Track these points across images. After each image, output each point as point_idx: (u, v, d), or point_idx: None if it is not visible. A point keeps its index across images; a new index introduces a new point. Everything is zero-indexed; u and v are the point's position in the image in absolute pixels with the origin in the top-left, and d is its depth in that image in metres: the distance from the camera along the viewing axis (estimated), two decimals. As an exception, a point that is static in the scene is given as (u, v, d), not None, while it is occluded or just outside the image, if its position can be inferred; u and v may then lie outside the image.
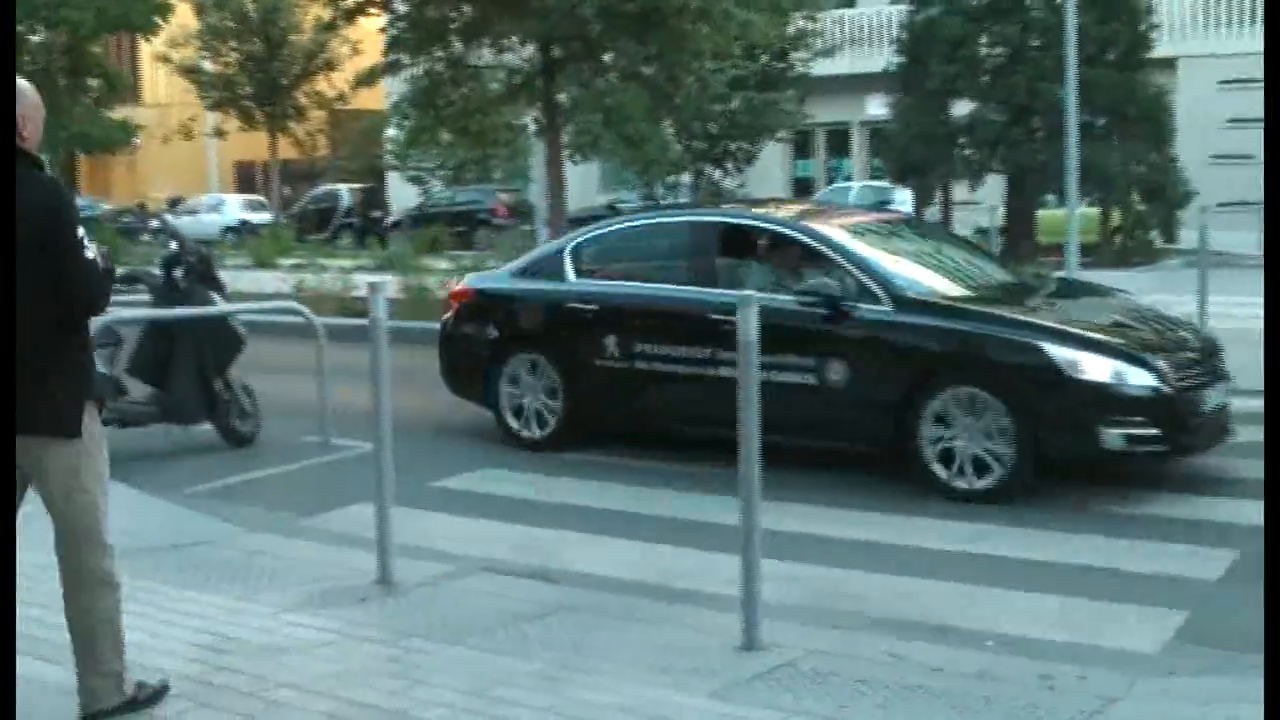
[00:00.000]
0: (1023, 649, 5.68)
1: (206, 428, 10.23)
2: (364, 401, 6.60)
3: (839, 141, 40.85)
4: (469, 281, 11.48)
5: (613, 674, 5.19)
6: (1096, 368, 8.11)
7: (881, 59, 31.55)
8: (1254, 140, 33.65)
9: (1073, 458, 8.34)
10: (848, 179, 39.46)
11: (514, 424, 10.18)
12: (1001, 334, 8.42)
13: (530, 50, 16.30)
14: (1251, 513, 7.48)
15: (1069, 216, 16.41)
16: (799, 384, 8.72)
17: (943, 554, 7.30)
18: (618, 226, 11.16)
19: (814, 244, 9.29)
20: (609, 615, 6.00)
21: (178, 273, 10.17)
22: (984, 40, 24.46)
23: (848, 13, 36.18)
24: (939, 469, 8.35)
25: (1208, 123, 30.76)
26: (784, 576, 6.43)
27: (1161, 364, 8.25)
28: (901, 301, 8.67)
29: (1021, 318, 8.67)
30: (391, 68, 17.39)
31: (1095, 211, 27.30)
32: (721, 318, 8.70)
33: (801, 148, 39.87)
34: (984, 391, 8.24)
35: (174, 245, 10.46)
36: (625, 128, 16.11)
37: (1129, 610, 6.28)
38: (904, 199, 30.93)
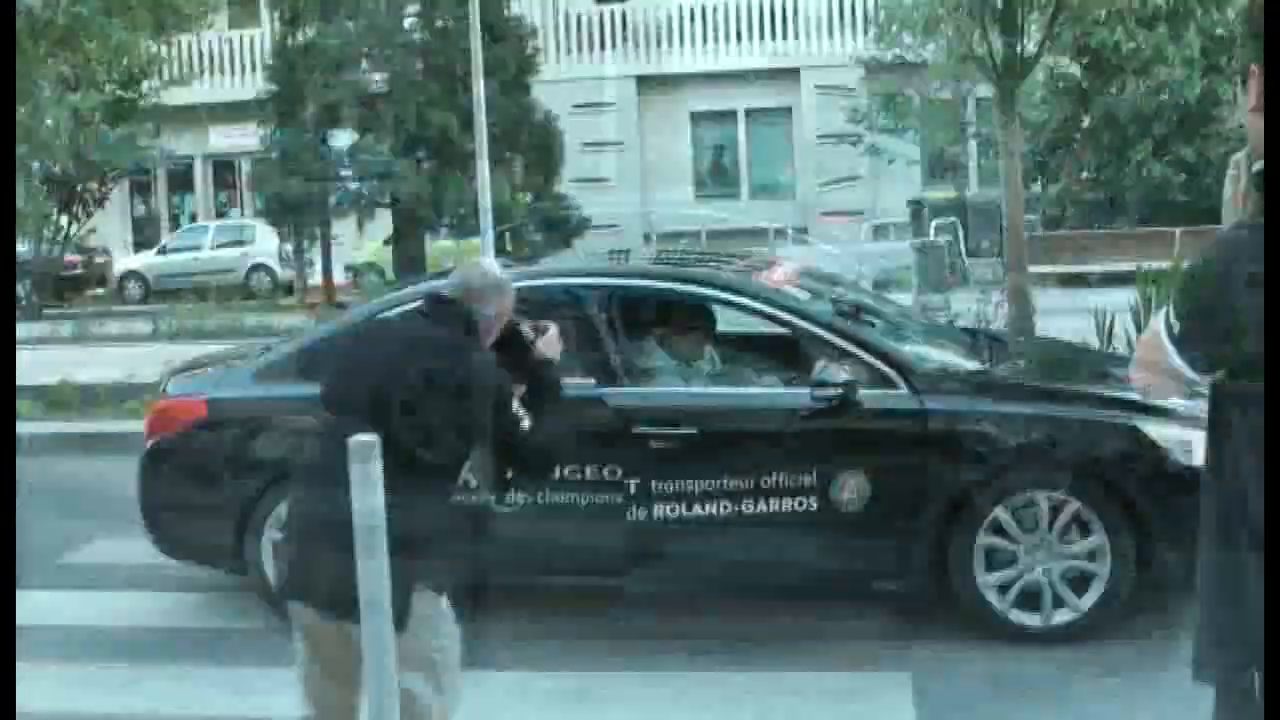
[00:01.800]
0: None
1: None
2: None
3: (181, 179, 38.17)
4: (189, 389, 7.33)
5: None
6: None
7: (231, 86, 29.32)
8: (608, 164, 34.69)
9: (1188, 567, 6.27)
10: (193, 217, 36.95)
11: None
12: (1081, 414, 6.44)
13: None
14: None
15: (481, 249, 15.58)
16: (790, 511, 6.25)
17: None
18: None
19: (783, 315, 6.72)
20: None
21: None
22: (365, 66, 22.89)
23: (197, 36, 33.69)
24: (1001, 604, 6.23)
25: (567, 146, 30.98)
26: None
27: None
28: (922, 381, 6.37)
29: (1101, 391, 6.74)
30: None
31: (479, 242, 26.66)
32: (649, 430, 6.36)
33: (142, 186, 36.90)
34: (1063, 495, 6.16)
35: None
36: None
37: None
38: (266, 238, 28.98)
